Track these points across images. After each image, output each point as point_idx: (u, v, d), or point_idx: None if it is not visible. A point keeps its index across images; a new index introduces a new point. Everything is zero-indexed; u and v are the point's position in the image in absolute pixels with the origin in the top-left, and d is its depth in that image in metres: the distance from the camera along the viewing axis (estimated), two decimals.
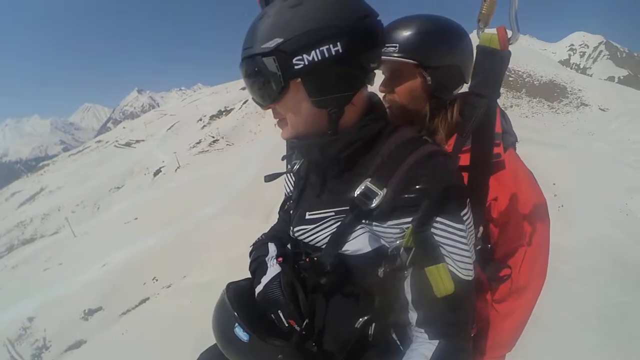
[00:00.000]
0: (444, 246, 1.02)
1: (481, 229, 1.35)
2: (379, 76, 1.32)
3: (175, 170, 65.21)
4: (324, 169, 1.20)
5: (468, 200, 1.08)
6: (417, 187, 1.01)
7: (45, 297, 29.96)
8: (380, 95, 1.46)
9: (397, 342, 1.18)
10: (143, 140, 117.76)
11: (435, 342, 1.06)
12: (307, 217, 1.21)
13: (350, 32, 1.01)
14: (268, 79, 1.03)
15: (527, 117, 55.83)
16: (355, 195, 1.06)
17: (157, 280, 25.42)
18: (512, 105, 61.68)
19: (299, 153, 1.39)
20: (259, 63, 1.02)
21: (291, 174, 1.44)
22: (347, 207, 1.10)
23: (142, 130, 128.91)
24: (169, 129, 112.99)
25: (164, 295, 21.08)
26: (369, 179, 1.06)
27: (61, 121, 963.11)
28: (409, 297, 1.08)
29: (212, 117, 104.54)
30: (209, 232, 27.68)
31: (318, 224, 1.17)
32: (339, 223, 1.12)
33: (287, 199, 1.46)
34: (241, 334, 1.19)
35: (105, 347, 17.28)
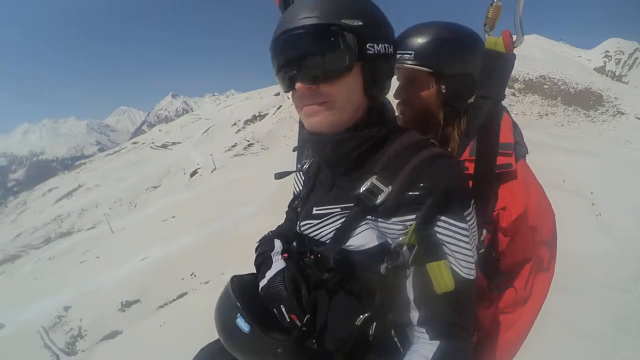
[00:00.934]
0: (447, 244, 1.05)
1: (484, 232, 1.35)
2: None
3: (212, 171, 65.82)
4: (333, 166, 1.26)
5: (472, 201, 1.12)
6: (422, 185, 1.05)
7: (82, 288, 30.42)
8: (394, 102, 1.58)
9: (397, 343, 1.20)
10: (179, 143, 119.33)
11: (436, 343, 1.06)
12: (314, 212, 1.27)
13: (394, 40, 1.19)
14: (342, 53, 1.06)
15: (562, 125, 54.82)
16: (361, 191, 1.11)
17: (195, 276, 25.71)
18: (548, 114, 61.00)
19: (311, 149, 1.44)
20: (338, 34, 1.04)
21: (300, 172, 1.51)
22: (353, 204, 1.15)
23: (178, 133, 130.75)
24: (205, 132, 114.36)
25: (202, 291, 21.51)
26: (375, 177, 1.11)
27: (97, 123, 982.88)
28: (410, 295, 1.10)
29: (246, 122, 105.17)
30: (246, 231, 28.10)
31: (324, 219, 1.23)
32: (343, 219, 1.17)
33: (296, 197, 1.52)
34: (242, 324, 1.22)
35: (141, 338, 17.80)
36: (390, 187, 1.08)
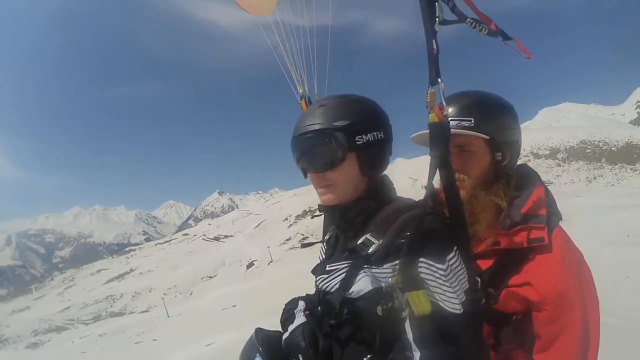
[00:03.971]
0: (428, 281, 1.23)
1: (479, 280, 1.39)
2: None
3: (268, 264, 65.91)
4: (344, 232, 1.52)
5: (455, 248, 1.29)
6: (406, 234, 1.27)
7: None
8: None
9: None
10: (231, 236, 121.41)
11: None
12: (327, 268, 1.49)
13: (387, 127, 1.47)
14: (335, 149, 1.37)
15: (613, 185, 53.91)
16: (357, 244, 1.37)
17: None
18: (596, 177, 60.81)
19: (327, 218, 1.73)
20: (330, 135, 1.37)
21: (324, 243, 1.74)
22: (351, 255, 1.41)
23: (229, 227, 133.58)
24: (256, 226, 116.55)
25: None
26: (370, 233, 1.37)
27: (145, 214, 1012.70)
28: (410, 336, 1.22)
29: (297, 217, 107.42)
30: None
31: (333, 273, 1.45)
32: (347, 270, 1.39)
33: (318, 264, 1.65)
34: None
35: None
36: (381, 240, 1.33)
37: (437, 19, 1.33)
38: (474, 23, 1.41)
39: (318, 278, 1.52)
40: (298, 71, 2.40)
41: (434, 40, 1.32)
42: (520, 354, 1.61)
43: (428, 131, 1.54)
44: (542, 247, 1.51)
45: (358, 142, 1.38)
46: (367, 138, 1.39)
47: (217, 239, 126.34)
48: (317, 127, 1.38)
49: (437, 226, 1.30)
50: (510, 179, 1.68)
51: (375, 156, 1.45)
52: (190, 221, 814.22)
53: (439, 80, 1.32)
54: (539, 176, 1.73)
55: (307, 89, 2.43)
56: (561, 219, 1.63)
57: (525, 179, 1.69)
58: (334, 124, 1.37)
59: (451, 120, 1.56)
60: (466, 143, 1.65)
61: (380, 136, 1.43)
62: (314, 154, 1.42)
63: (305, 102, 2.40)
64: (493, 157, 1.66)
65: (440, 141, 1.32)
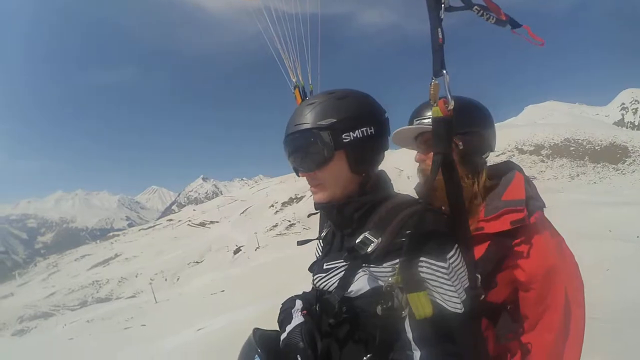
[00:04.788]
0: (429, 281, 1.21)
1: (479, 277, 1.37)
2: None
3: (255, 250, 66.26)
4: (341, 228, 1.48)
5: (455, 245, 1.27)
6: (406, 232, 1.25)
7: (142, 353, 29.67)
8: (416, 165, 1.84)
9: None
10: (217, 222, 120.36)
11: None
12: (325, 267, 1.45)
13: (379, 122, 1.42)
14: (321, 148, 1.35)
15: (595, 183, 55.51)
16: (356, 243, 1.32)
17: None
18: (579, 174, 62.60)
19: (323, 214, 1.72)
20: (315, 135, 1.35)
21: (320, 240, 1.69)
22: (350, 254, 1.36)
23: (215, 213, 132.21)
24: (242, 213, 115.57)
25: None
26: (368, 231, 1.33)
27: (128, 199, 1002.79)
28: (410, 335, 1.21)
29: (284, 204, 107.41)
30: None
31: (331, 272, 1.41)
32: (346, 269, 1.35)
33: (315, 262, 1.62)
34: None
35: None
36: (380, 239, 1.29)
37: (442, 5, 1.28)
38: (481, 11, 1.37)
39: (316, 276, 1.50)
40: (291, 58, 2.31)
41: (439, 29, 1.28)
42: (517, 344, 1.66)
43: (408, 127, 1.75)
44: (525, 229, 1.58)
45: (345, 140, 1.35)
46: (354, 135, 1.36)
47: (202, 224, 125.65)
48: (303, 127, 1.38)
49: (437, 224, 1.29)
50: (479, 168, 1.77)
51: (365, 153, 1.41)
52: (174, 207, 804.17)
53: (444, 71, 1.27)
54: (520, 168, 1.81)
55: (300, 78, 2.35)
56: (544, 206, 1.68)
57: (504, 170, 1.80)
58: (319, 123, 1.35)
59: (417, 123, 1.78)
60: (430, 138, 1.65)
61: (371, 132, 1.39)
62: (302, 154, 1.42)
63: (299, 91, 2.34)
64: (456, 147, 1.69)
65: (444, 137, 1.29)
